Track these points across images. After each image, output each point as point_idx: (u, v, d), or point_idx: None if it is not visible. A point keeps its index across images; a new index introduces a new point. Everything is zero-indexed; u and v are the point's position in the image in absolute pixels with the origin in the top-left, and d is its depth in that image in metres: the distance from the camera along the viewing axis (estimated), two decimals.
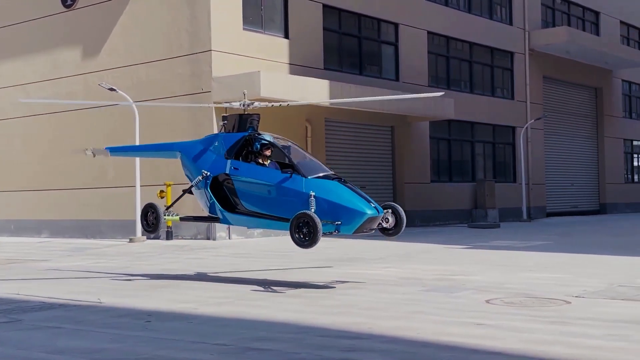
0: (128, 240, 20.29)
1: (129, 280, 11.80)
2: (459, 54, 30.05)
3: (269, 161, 10.84)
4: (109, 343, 6.77)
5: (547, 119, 33.16)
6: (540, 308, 8.30)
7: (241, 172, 10.69)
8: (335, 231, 9.91)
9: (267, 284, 10.92)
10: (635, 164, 41.49)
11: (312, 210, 9.72)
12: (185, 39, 21.08)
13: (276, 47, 22.41)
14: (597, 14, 37.31)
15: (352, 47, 25.55)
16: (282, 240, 20.51)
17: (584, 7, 36.52)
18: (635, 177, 41.44)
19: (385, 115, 24.95)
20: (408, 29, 27.18)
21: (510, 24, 32.07)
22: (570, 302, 8.67)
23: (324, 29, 24.12)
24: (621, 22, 39.02)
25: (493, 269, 12.45)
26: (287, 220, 10.03)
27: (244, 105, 11.27)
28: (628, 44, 39.60)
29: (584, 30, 36.10)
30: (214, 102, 17.06)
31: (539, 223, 28.66)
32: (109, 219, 22.44)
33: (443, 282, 10.78)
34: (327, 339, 6.73)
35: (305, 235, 9.64)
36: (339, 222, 9.83)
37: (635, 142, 40.88)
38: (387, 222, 10.24)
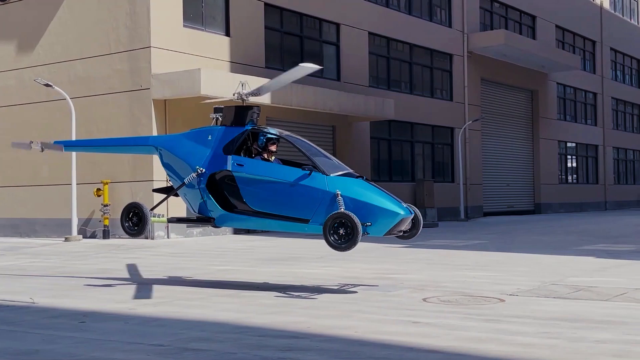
0: (63, 239, 19.90)
1: (64, 280, 11.57)
2: (400, 55, 30.34)
3: (273, 157, 10.10)
4: (43, 344, 6.63)
5: (484, 121, 33.76)
6: (475, 306, 8.45)
7: (247, 168, 9.80)
8: (365, 233, 9.15)
9: (205, 284, 10.84)
10: (569, 165, 42.58)
11: (342, 210, 8.97)
12: (124, 35, 20.78)
13: (217, 44, 22.28)
14: (533, 18, 38.14)
15: (293, 46, 25.57)
16: (221, 239, 20.40)
17: (521, 11, 37.29)
18: (569, 177, 42.51)
19: (327, 115, 25.05)
20: (349, 29, 27.33)
21: (450, 26, 32.55)
22: (504, 300, 8.85)
23: (266, 27, 24.09)
24: (557, 26, 39.97)
25: (430, 268, 12.62)
26: (303, 220, 9.45)
27: (241, 97, 10.34)
28: (563, 48, 40.58)
29: (521, 33, 36.85)
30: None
31: (476, 222, 29.16)
32: (44, 218, 21.97)
33: (382, 280, 10.87)
34: (264, 338, 6.72)
35: (342, 237, 8.92)
36: (369, 224, 9.15)
37: (569, 144, 41.93)
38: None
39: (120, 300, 9.22)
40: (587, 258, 14.00)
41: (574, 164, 43.12)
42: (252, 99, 10.46)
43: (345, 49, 27.13)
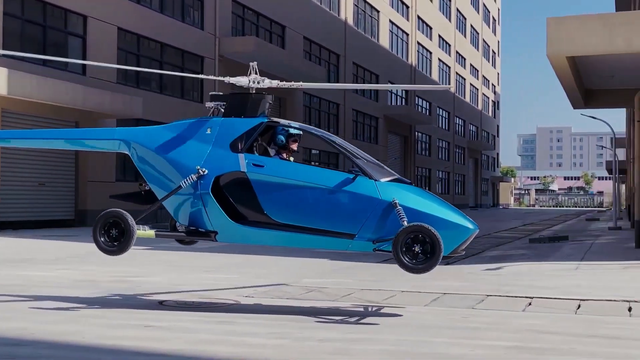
0: None
1: None
2: (150, 53, 29.87)
3: (292, 158, 8.42)
4: None
5: None
6: (211, 309, 8.52)
7: (269, 170, 7.92)
8: None
9: None
10: None
11: (405, 223, 7.42)
12: None
13: None
14: (283, 27, 39.41)
15: (35, 36, 24.16)
16: None
17: (272, 20, 38.37)
18: None
19: (71, 110, 23.96)
20: (97, 23, 26.40)
21: (202, 28, 32.63)
22: (240, 302, 9.03)
23: (4, 13, 22.52)
24: (305, 37, 41.64)
25: (171, 270, 12.54)
26: (347, 235, 7.75)
27: (253, 82, 8.36)
28: (310, 59, 42.37)
29: (271, 42, 37.90)
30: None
31: None
32: None
33: (119, 284, 10.60)
34: None
35: (416, 256, 7.39)
36: None
37: (313, 151, 43.83)
38: None
39: None
40: (323, 260, 14.72)
41: None
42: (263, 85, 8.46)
43: (92, 42, 26.15)
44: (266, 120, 8.23)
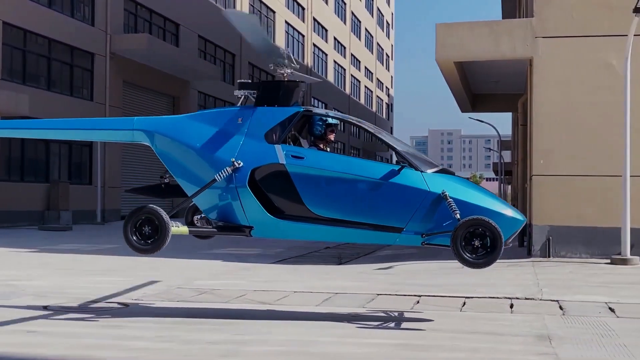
0: None
1: None
2: (38, 49, 28.85)
3: (328, 148, 8.07)
4: None
5: None
6: (98, 313, 8.31)
7: (310, 161, 7.59)
8: None
9: None
10: None
11: (458, 215, 7.15)
12: None
13: None
14: (177, 25, 38.84)
15: None
16: None
17: (165, 18, 37.73)
18: None
19: None
20: None
21: (92, 24, 31.77)
22: (128, 305, 8.85)
23: None
24: (199, 36, 41.19)
25: (58, 274, 12.16)
26: (394, 229, 7.47)
27: (284, 69, 8.01)
28: (205, 58, 41.95)
29: (164, 40, 37.29)
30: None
31: (113, 226, 28.76)
32: None
33: (1, 288, 10.18)
34: None
35: (476, 250, 7.17)
36: None
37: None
38: None
39: None
40: (216, 262, 14.61)
41: None
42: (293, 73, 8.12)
43: None
44: (302, 109, 7.88)
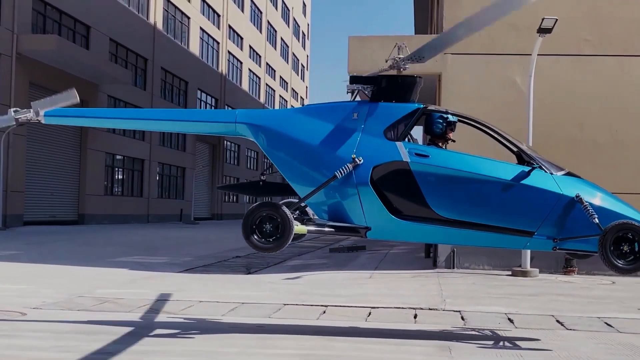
0: None
1: None
2: None
3: (447, 147, 7.76)
4: None
5: (32, 127, 32.46)
6: None
7: (435, 160, 7.26)
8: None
9: None
10: (116, 177, 43.25)
11: (596, 220, 6.89)
12: None
13: None
14: (88, 28, 37.96)
15: None
16: None
17: (75, 19, 36.82)
18: (115, 189, 43.14)
19: None
20: None
21: None
22: (26, 314, 8.54)
23: None
24: (111, 39, 40.37)
25: None
26: (525, 233, 7.17)
27: (398, 64, 7.62)
28: (116, 62, 41.14)
29: (75, 42, 36.37)
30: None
31: (14, 232, 27.81)
32: None
33: None
34: None
35: (624, 255, 6.89)
36: None
37: (117, 156, 42.60)
38: None
39: None
40: (122, 270, 14.29)
41: (121, 177, 43.94)
42: (411, 68, 7.80)
43: None
44: (422, 106, 7.60)
